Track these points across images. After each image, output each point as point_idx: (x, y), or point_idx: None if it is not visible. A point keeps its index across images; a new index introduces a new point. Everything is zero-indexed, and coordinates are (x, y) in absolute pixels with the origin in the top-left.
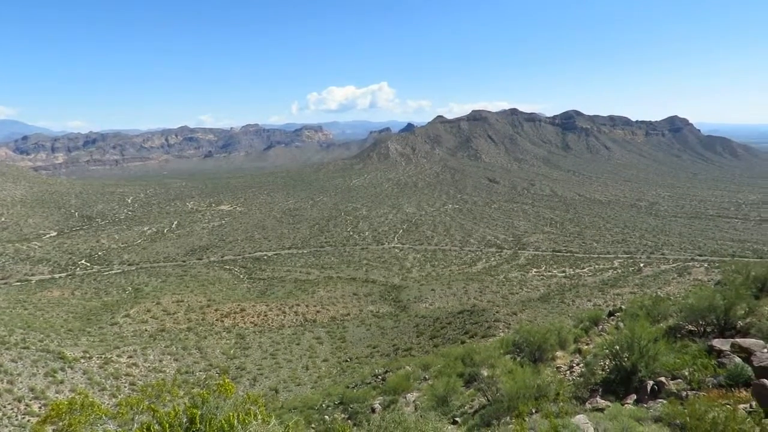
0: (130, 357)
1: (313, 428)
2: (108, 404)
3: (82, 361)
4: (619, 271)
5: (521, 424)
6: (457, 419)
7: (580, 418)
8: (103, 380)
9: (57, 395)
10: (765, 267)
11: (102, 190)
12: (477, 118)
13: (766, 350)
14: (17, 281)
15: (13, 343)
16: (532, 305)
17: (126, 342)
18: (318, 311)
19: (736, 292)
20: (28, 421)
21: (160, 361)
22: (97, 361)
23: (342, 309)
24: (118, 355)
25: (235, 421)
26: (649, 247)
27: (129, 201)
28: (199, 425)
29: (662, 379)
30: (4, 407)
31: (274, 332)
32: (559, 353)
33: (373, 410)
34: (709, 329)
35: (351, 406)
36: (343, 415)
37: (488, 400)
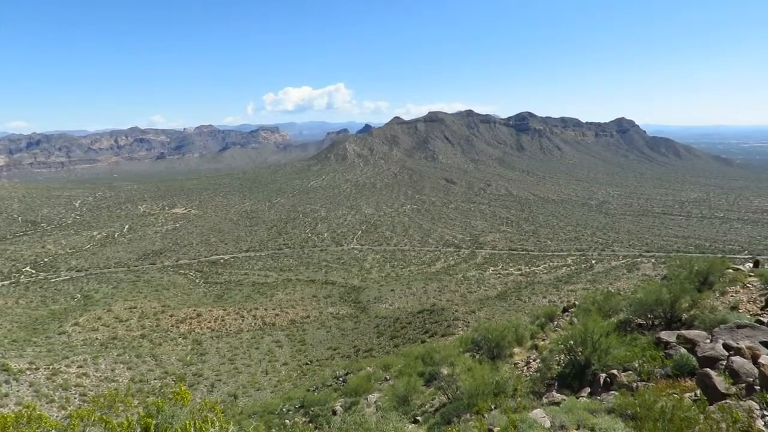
0: (80, 367)
1: None
2: (57, 417)
3: (28, 372)
4: (573, 268)
5: (480, 420)
6: (418, 418)
7: (537, 413)
8: (52, 392)
9: (1, 409)
10: (707, 262)
11: (47, 193)
12: (434, 119)
13: (708, 341)
14: None
15: None
16: (489, 303)
17: (75, 351)
18: (277, 314)
19: (681, 286)
20: None
21: (113, 370)
22: (45, 372)
23: (301, 311)
24: (66, 366)
25: (192, 429)
26: (600, 244)
27: (77, 205)
28: None
29: (614, 371)
30: None
31: (232, 337)
32: (516, 350)
33: (335, 413)
34: (656, 322)
35: (312, 409)
36: (304, 419)
37: (448, 398)
